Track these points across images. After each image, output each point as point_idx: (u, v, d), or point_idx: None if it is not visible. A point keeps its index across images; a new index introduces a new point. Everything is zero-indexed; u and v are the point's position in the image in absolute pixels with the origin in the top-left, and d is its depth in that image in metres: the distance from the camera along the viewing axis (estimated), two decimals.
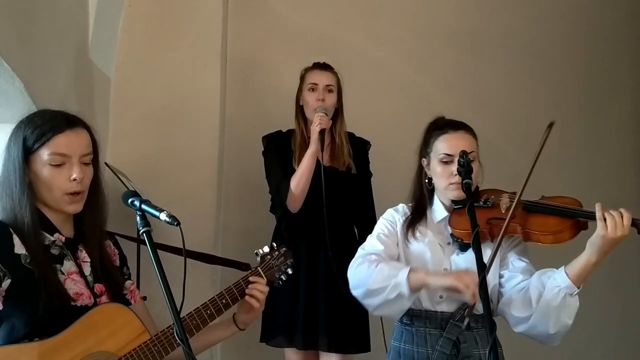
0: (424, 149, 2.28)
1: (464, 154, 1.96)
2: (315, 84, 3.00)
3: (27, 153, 1.78)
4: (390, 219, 2.28)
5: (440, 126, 2.26)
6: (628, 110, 4.24)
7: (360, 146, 3.11)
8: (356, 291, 2.15)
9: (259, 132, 3.31)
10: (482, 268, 1.80)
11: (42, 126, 1.78)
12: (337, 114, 3.04)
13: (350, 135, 3.10)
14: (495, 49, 4.05)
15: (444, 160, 2.18)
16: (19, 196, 1.77)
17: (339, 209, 2.94)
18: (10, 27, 2.22)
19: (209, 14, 3.57)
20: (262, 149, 3.13)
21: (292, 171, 2.93)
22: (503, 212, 2.11)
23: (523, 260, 2.15)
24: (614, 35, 4.22)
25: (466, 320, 2.03)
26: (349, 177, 3.00)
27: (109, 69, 3.36)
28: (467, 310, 2.00)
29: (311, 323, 2.88)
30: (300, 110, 3.06)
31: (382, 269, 2.09)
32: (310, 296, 2.88)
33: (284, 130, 3.13)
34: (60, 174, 1.78)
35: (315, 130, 2.88)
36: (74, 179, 1.78)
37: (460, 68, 4.02)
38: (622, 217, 1.95)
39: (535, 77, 4.09)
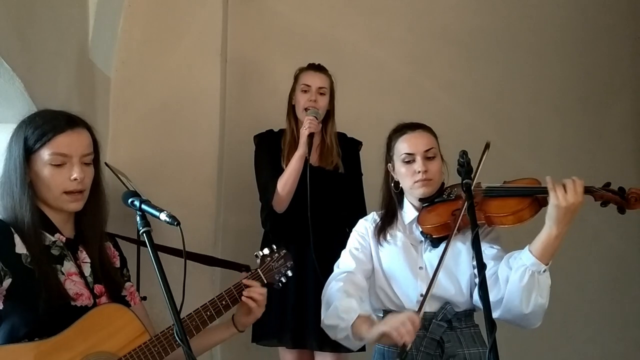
0: (388, 155, 2.33)
1: (464, 153, 1.96)
2: (308, 86, 3.01)
3: (28, 153, 1.78)
4: (362, 230, 2.32)
5: (399, 129, 2.31)
6: (628, 110, 4.24)
7: (351, 146, 3.13)
8: (322, 315, 2.17)
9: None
10: (482, 268, 1.80)
11: (43, 126, 1.79)
12: (329, 115, 3.07)
13: (342, 136, 3.12)
14: (495, 49, 4.05)
15: (406, 160, 2.23)
16: (20, 196, 1.77)
17: (327, 209, 2.95)
18: (10, 27, 2.22)
19: (209, 14, 3.57)
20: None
21: (281, 170, 2.95)
22: None
23: (494, 248, 2.16)
24: (614, 35, 4.21)
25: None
26: (336, 176, 3.02)
27: (109, 69, 3.36)
28: (400, 350, 1.94)
29: (300, 323, 2.90)
30: (292, 109, 3.08)
31: (336, 307, 2.10)
32: (298, 296, 2.89)
33: (275, 130, 3.14)
34: (61, 173, 1.78)
35: (304, 133, 2.91)
36: (75, 179, 1.78)
37: (460, 68, 4.02)
38: (574, 184, 1.97)
39: (535, 77, 4.09)
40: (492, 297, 2.04)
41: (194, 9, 3.54)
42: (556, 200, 1.96)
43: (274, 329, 2.92)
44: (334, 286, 2.18)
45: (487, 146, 2.17)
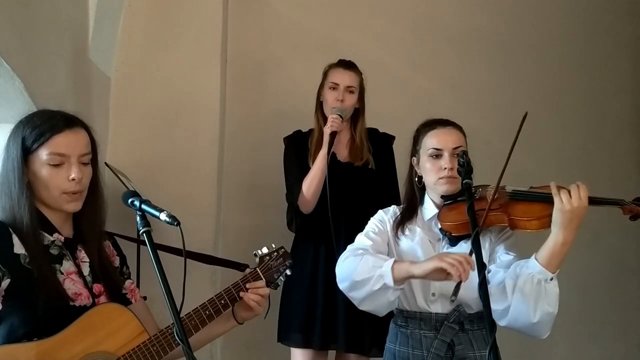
0: (414, 148, 2.31)
1: (464, 153, 1.96)
2: (337, 84, 2.96)
3: (26, 153, 1.78)
4: (380, 218, 2.29)
5: (428, 124, 2.29)
6: (628, 110, 4.24)
7: (384, 141, 3.07)
8: (343, 284, 2.14)
9: (259, 132, 3.30)
10: (482, 267, 1.80)
11: (40, 126, 1.79)
12: (359, 113, 3.02)
13: (374, 131, 3.08)
14: (495, 49, 4.05)
15: (433, 154, 2.20)
16: (18, 196, 1.77)
17: (357, 205, 2.88)
18: (10, 27, 2.23)
19: (209, 14, 3.57)
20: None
21: (308, 171, 2.91)
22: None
23: (509, 254, 2.14)
24: (614, 35, 4.21)
25: (454, 298, 1.97)
26: (365, 171, 2.97)
27: (109, 69, 3.36)
28: (455, 286, 1.95)
29: (330, 323, 2.86)
30: (320, 106, 3.04)
31: (367, 260, 2.08)
32: (328, 296, 2.85)
33: (303, 130, 3.10)
34: (59, 173, 1.78)
35: (326, 132, 2.87)
36: (73, 179, 1.78)
37: (460, 68, 4.01)
38: (578, 189, 1.97)
39: (535, 77, 4.09)
40: (499, 305, 2.03)
41: (194, 9, 3.54)
42: (560, 204, 1.96)
43: (303, 329, 2.89)
44: (352, 254, 2.14)
45: (524, 117, 2.12)
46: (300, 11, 3.88)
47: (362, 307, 2.14)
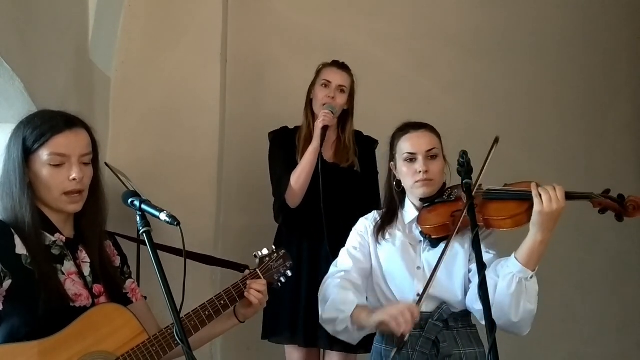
0: (391, 153, 2.33)
1: (464, 153, 1.97)
2: (329, 82, 3.00)
3: (27, 153, 1.78)
4: (361, 229, 2.32)
5: (402, 128, 2.31)
6: (628, 111, 4.25)
7: (367, 144, 3.10)
8: (320, 311, 2.22)
9: (259, 132, 3.30)
10: (482, 268, 1.80)
11: (41, 127, 1.79)
12: (347, 115, 3.05)
13: (358, 134, 3.10)
14: (495, 49, 4.05)
15: (408, 158, 2.23)
16: (20, 196, 1.77)
17: (340, 205, 2.92)
18: (10, 27, 2.22)
19: (209, 14, 3.57)
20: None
21: (296, 165, 2.94)
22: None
23: (489, 253, 2.15)
24: (614, 35, 4.22)
25: (394, 352, 2.03)
26: (350, 174, 3.00)
27: (109, 69, 3.37)
28: (396, 340, 2.00)
29: (313, 320, 2.86)
30: (309, 103, 3.06)
31: (334, 300, 2.15)
32: (311, 293, 2.86)
33: (290, 127, 3.12)
34: (60, 174, 1.78)
35: (318, 126, 2.90)
36: (73, 179, 1.78)
37: (460, 68, 4.02)
38: (555, 191, 1.99)
39: (535, 77, 4.09)
40: (481, 305, 2.05)
41: (194, 8, 3.55)
42: (540, 206, 1.98)
43: (286, 326, 2.91)
44: (330, 283, 2.21)
45: (496, 141, 2.16)
46: (300, 11, 3.89)
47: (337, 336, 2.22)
